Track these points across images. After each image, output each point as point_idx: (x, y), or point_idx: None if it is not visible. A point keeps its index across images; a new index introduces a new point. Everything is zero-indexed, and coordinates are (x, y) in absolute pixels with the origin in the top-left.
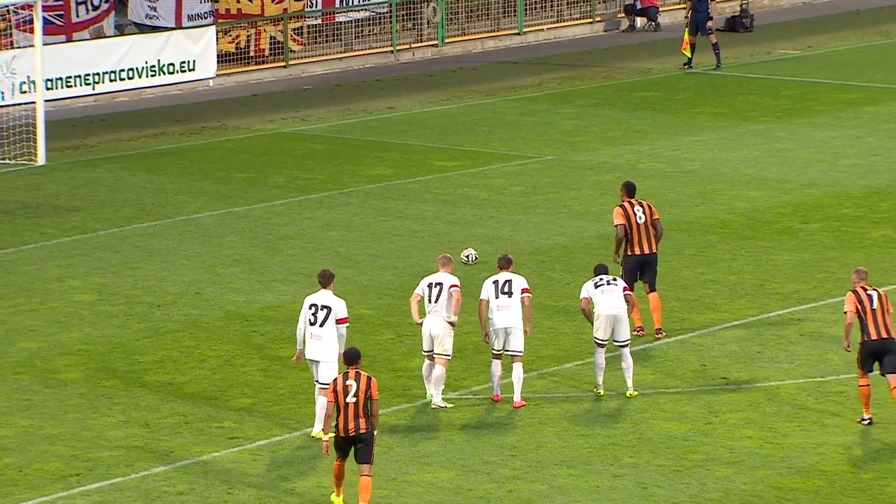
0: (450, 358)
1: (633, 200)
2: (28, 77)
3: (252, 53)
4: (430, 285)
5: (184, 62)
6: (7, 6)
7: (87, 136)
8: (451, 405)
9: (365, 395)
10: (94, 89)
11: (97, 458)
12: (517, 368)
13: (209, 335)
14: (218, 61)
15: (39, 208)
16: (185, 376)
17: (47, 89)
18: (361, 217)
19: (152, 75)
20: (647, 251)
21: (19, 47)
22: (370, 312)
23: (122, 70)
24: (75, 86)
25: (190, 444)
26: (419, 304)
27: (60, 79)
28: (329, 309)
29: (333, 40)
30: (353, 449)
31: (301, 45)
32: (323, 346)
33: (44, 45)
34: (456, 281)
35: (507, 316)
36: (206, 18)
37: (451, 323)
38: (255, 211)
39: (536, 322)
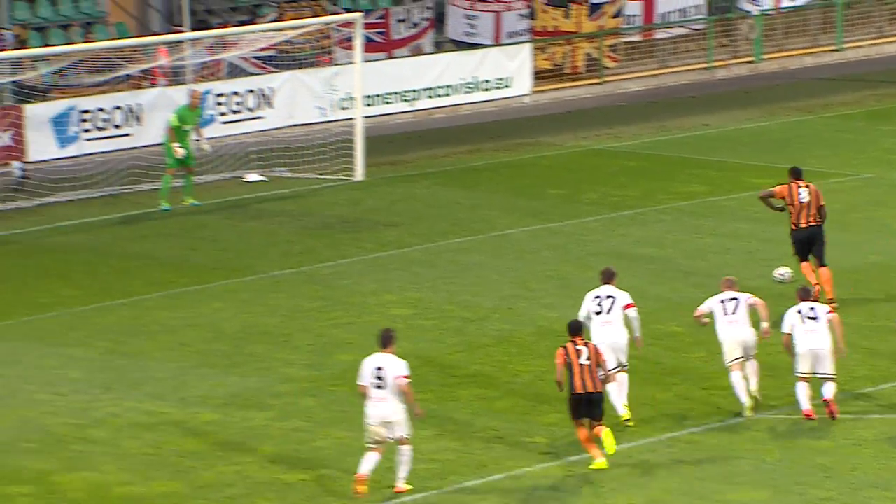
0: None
1: (798, 182)
2: (348, 93)
3: (567, 70)
4: (722, 301)
5: (500, 79)
6: (330, 24)
7: (404, 152)
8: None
9: (595, 360)
10: (411, 106)
11: (412, 470)
12: (828, 387)
13: (521, 350)
14: (533, 78)
15: (358, 223)
16: (498, 391)
17: (366, 105)
18: (674, 234)
19: (468, 92)
20: (810, 223)
21: (340, 64)
22: (682, 330)
23: (440, 87)
24: (393, 102)
25: (502, 458)
26: (709, 319)
27: (379, 95)
28: (613, 298)
29: (649, 57)
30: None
31: (616, 61)
32: (616, 330)
33: (364, 61)
34: (750, 295)
35: (815, 339)
36: (522, 36)
37: (764, 331)
38: (567, 227)
39: (851, 342)
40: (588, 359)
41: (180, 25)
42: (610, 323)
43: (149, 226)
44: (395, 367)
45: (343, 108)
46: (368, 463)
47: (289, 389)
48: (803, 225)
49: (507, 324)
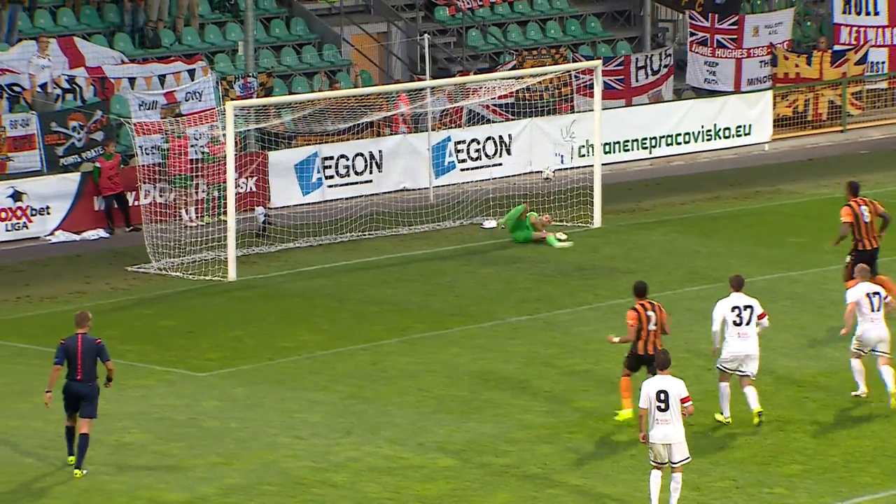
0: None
1: (858, 199)
2: (587, 141)
3: (809, 117)
4: (868, 294)
5: (739, 126)
6: (569, 71)
7: (641, 200)
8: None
9: (661, 325)
10: (650, 153)
11: None
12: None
13: (761, 399)
14: (773, 125)
15: (595, 270)
16: (736, 440)
17: (605, 153)
18: None
19: (708, 139)
20: (871, 247)
21: (579, 111)
22: None
23: (679, 134)
24: (632, 149)
25: None
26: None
27: (618, 142)
28: (752, 308)
29: (893, 104)
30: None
31: (860, 109)
32: (752, 342)
33: (602, 108)
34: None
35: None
36: (764, 83)
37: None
38: (807, 276)
39: None
40: (655, 324)
41: (422, 73)
42: (747, 335)
43: (388, 272)
44: (678, 388)
45: (581, 156)
46: (655, 489)
47: (525, 436)
48: (867, 248)
49: None
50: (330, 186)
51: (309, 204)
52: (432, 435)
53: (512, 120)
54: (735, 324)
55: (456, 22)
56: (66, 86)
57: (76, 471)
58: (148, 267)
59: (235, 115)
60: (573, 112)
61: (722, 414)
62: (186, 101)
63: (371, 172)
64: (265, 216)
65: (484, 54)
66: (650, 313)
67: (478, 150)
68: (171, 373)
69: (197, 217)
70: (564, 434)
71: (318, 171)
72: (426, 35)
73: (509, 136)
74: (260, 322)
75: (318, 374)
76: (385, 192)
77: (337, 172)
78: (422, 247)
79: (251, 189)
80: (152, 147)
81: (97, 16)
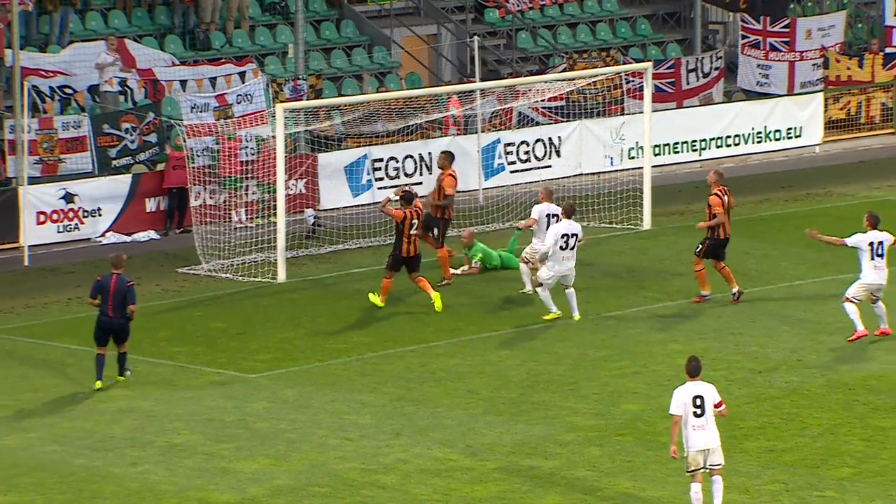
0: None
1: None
2: (636, 143)
3: (862, 120)
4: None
5: (790, 129)
6: (619, 73)
7: (691, 202)
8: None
9: (421, 229)
10: (700, 155)
11: None
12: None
13: (811, 402)
14: (825, 128)
15: (644, 272)
16: (786, 443)
17: (655, 155)
18: None
19: (758, 142)
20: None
21: (629, 113)
22: None
23: (729, 136)
24: (682, 152)
25: None
26: None
27: (668, 145)
28: (577, 235)
29: None
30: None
31: None
32: (572, 263)
33: (653, 111)
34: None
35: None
36: (816, 85)
37: None
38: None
39: None
40: (416, 229)
41: (471, 75)
42: (569, 259)
43: (437, 273)
44: (713, 394)
45: (631, 158)
46: (698, 500)
47: (574, 438)
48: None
49: (796, 375)
50: (380, 188)
51: (359, 206)
52: (481, 437)
53: (562, 122)
54: (561, 248)
55: (506, 24)
56: (117, 88)
57: (119, 377)
58: (198, 268)
59: (285, 118)
60: (623, 114)
61: (550, 312)
62: (238, 103)
63: (421, 174)
64: (315, 218)
65: (534, 56)
66: (415, 221)
67: (527, 153)
68: (221, 374)
69: (247, 219)
70: (613, 436)
71: (368, 173)
72: (476, 37)
73: (559, 138)
74: (309, 323)
75: (368, 376)
76: None
77: (387, 174)
78: None
79: (301, 191)
80: (203, 149)
81: (148, 18)
